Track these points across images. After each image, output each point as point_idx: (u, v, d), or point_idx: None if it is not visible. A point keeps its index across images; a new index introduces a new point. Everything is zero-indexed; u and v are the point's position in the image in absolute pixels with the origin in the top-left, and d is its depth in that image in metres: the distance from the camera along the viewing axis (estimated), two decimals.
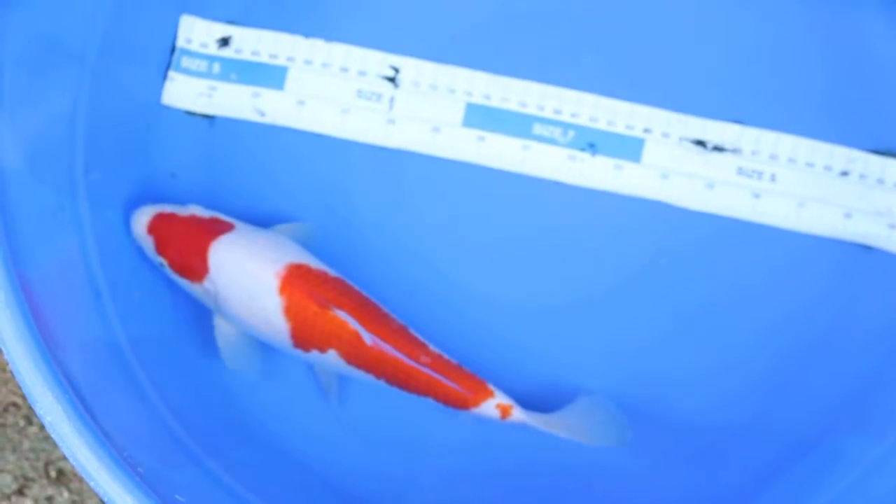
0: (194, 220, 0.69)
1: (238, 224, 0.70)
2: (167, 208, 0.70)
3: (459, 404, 0.68)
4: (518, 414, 0.68)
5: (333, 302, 0.67)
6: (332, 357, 0.68)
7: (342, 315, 0.67)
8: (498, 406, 0.68)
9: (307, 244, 0.70)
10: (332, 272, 0.69)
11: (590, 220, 0.73)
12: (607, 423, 0.69)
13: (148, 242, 0.70)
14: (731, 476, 0.72)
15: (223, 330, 0.70)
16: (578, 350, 0.73)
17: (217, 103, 0.73)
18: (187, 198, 0.72)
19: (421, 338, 0.68)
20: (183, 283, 0.69)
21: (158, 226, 0.69)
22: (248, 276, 0.67)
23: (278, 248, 0.68)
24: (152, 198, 0.71)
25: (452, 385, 0.67)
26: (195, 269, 0.68)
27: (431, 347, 0.68)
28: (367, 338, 0.67)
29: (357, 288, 0.69)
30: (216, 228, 0.69)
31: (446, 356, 0.68)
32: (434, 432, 0.72)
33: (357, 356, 0.67)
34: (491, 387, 0.68)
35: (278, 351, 0.69)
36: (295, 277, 0.67)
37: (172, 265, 0.69)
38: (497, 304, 0.73)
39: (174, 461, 0.67)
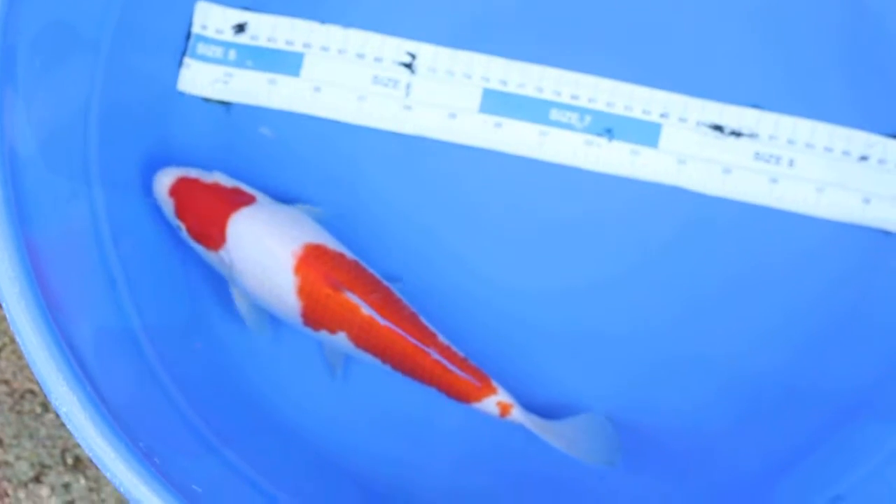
0: (216, 189, 0.69)
1: (260, 197, 0.69)
2: (191, 172, 0.70)
3: (462, 397, 0.68)
4: (517, 414, 0.68)
5: (347, 285, 0.67)
6: (340, 338, 0.68)
7: (354, 298, 0.67)
8: (498, 403, 0.68)
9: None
10: (349, 255, 0.69)
11: (606, 206, 0.73)
12: (601, 443, 0.69)
13: (168, 204, 0.70)
14: (748, 461, 0.71)
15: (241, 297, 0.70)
16: (593, 334, 0.72)
17: (233, 90, 0.73)
18: None
19: (431, 327, 0.68)
20: (198, 248, 0.69)
21: (180, 190, 0.69)
22: (264, 252, 0.67)
23: (297, 227, 0.68)
24: None
25: (457, 376, 0.67)
26: (212, 237, 0.68)
27: (440, 338, 0.68)
28: (380, 321, 0.67)
29: (373, 273, 0.69)
30: (237, 200, 0.69)
31: (454, 348, 0.68)
32: (447, 416, 0.71)
33: (366, 340, 0.67)
34: (495, 384, 0.68)
35: (296, 339, 0.69)
36: (312, 258, 0.67)
37: (190, 231, 0.69)
38: (512, 289, 0.73)
39: (190, 451, 0.67)
